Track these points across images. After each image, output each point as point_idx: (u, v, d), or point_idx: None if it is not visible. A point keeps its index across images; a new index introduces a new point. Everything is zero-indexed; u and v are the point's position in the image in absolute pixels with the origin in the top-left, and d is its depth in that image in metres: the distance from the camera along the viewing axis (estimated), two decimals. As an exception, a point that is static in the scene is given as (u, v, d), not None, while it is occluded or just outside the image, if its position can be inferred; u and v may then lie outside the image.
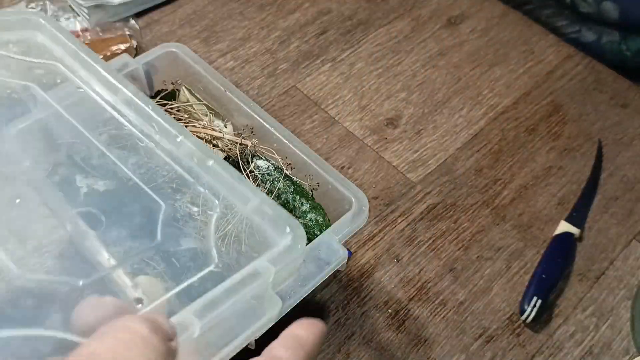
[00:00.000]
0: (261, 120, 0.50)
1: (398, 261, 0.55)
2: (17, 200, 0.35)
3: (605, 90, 0.69)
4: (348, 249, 0.43)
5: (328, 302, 0.52)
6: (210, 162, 0.36)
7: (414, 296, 0.53)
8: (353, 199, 0.45)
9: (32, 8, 0.71)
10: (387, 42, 0.72)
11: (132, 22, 0.71)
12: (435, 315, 0.52)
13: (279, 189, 0.46)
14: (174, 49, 0.55)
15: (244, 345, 0.31)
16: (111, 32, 0.69)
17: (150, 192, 0.36)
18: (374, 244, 0.55)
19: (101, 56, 0.66)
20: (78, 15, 0.70)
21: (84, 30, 0.69)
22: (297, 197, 0.45)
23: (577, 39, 0.78)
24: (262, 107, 0.52)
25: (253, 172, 0.47)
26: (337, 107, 0.65)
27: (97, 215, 0.35)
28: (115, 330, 0.24)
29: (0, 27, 0.40)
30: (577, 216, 0.58)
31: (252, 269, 0.31)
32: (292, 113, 0.65)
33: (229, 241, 0.36)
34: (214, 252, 0.34)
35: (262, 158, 0.48)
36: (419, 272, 0.54)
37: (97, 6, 0.68)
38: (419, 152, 0.62)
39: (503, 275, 0.54)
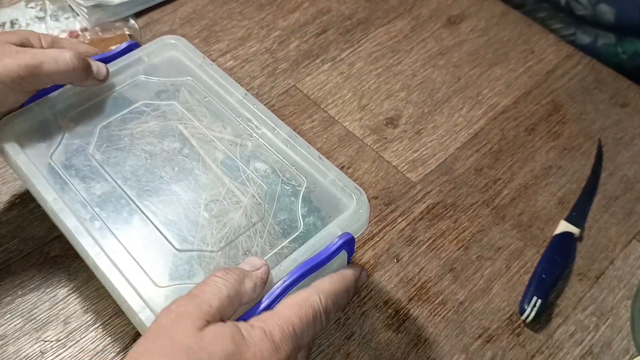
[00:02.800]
0: (261, 119, 0.50)
1: (398, 261, 0.55)
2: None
3: (605, 90, 0.69)
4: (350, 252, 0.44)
5: (328, 302, 0.52)
6: (300, 147, 0.47)
7: (414, 296, 0.53)
8: (353, 201, 0.45)
9: (32, 8, 0.71)
10: (387, 41, 0.72)
11: (132, 21, 0.70)
12: (435, 315, 0.52)
13: (276, 192, 0.46)
14: (174, 51, 0.55)
15: None
16: (111, 32, 0.69)
17: (257, 179, 0.47)
18: (374, 244, 0.55)
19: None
20: (77, 15, 0.70)
21: (84, 29, 0.69)
22: (295, 200, 0.46)
23: (573, 41, 0.77)
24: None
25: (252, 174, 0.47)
26: (337, 107, 0.65)
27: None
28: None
29: (149, 56, 0.54)
30: (577, 216, 0.58)
31: (325, 232, 0.42)
32: (291, 113, 0.65)
33: (311, 208, 0.45)
34: (300, 220, 0.44)
35: (261, 160, 0.48)
36: (419, 272, 0.54)
37: (96, 6, 0.68)
38: (418, 152, 0.62)
39: (503, 275, 0.54)
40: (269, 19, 0.73)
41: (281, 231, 0.44)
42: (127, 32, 0.69)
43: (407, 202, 0.58)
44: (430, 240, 0.56)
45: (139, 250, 0.42)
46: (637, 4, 0.73)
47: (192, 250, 0.43)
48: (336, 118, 0.64)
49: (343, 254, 0.43)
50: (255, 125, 0.50)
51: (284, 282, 0.40)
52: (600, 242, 0.57)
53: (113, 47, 0.66)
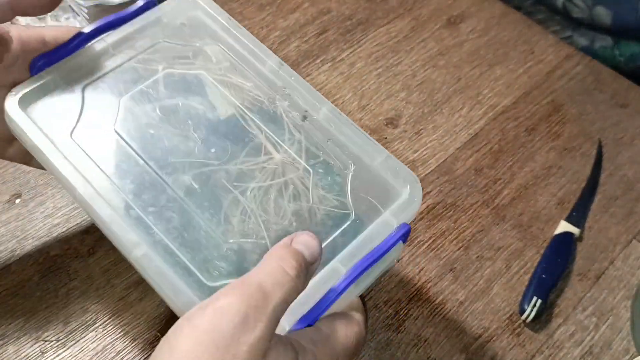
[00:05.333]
0: (300, 93, 0.45)
1: (398, 261, 0.55)
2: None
3: (605, 90, 0.69)
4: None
5: (328, 302, 0.52)
6: (344, 126, 0.43)
7: (414, 296, 0.53)
8: (406, 188, 0.41)
9: (32, 8, 0.71)
10: (387, 41, 0.72)
11: (132, 22, 0.70)
12: (435, 315, 0.52)
13: (323, 176, 0.42)
14: (196, 10, 0.49)
15: (378, 279, 0.40)
16: (111, 32, 0.69)
17: (301, 161, 0.42)
18: (374, 244, 0.55)
19: (101, 56, 0.65)
20: (78, 15, 0.70)
21: (84, 30, 0.69)
22: (343, 185, 0.42)
23: (570, 44, 0.78)
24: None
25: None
26: (337, 107, 0.65)
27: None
28: (269, 263, 0.32)
29: (167, 16, 0.48)
30: (577, 216, 0.58)
31: (380, 222, 0.39)
32: (292, 113, 0.65)
33: (361, 195, 0.41)
34: (351, 207, 0.41)
35: (303, 139, 0.44)
36: (419, 272, 0.54)
37: (97, 6, 0.68)
38: (418, 152, 0.62)
39: (503, 275, 0.54)
40: (269, 19, 0.73)
41: (331, 220, 0.40)
42: (127, 32, 0.69)
43: (407, 202, 0.58)
44: (430, 240, 0.56)
45: (182, 243, 0.38)
46: (633, 7, 0.73)
47: (239, 242, 0.39)
48: (336, 118, 0.64)
49: (399, 246, 0.39)
50: (294, 99, 0.45)
51: (344, 280, 0.36)
52: (600, 242, 0.57)
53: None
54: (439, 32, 0.73)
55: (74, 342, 0.49)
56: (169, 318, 0.50)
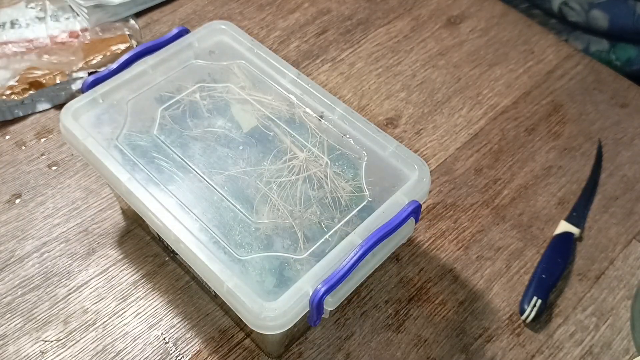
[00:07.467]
0: (316, 97, 0.51)
1: (398, 261, 0.55)
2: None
3: (605, 90, 0.69)
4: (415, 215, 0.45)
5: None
6: (357, 122, 0.49)
7: (414, 296, 0.53)
8: (415, 171, 0.47)
9: (32, 8, 0.71)
10: (387, 41, 0.72)
11: (132, 22, 0.71)
12: (435, 315, 0.52)
13: (340, 165, 0.48)
14: (223, 35, 0.56)
15: (392, 252, 0.44)
16: (111, 32, 0.69)
17: (320, 153, 0.48)
18: (374, 244, 0.55)
19: (100, 56, 0.66)
20: (78, 15, 0.70)
21: (84, 30, 0.69)
22: (359, 172, 0.47)
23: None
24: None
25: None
26: (337, 107, 0.65)
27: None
28: None
29: (199, 41, 0.54)
30: (577, 216, 0.58)
31: (393, 200, 0.45)
32: (292, 113, 0.64)
33: (375, 180, 0.47)
34: (366, 190, 0.46)
35: (321, 135, 0.49)
36: (419, 272, 0.54)
37: (96, 6, 0.68)
38: (418, 152, 0.62)
39: (503, 275, 0.54)
40: (269, 19, 0.73)
41: (349, 202, 0.46)
42: (127, 32, 0.69)
43: (407, 202, 0.58)
44: (430, 240, 0.56)
45: (217, 225, 0.44)
46: (630, 10, 0.73)
47: (267, 222, 0.44)
48: (336, 118, 0.64)
49: (411, 221, 0.44)
50: (311, 103, 0.51)
51: (360, 247, 0.41)
52: (600, 242, 0.57)
53: (113, 47, 0.66)
54: (439, 32, 0.73)
55: (74, 342, 0.49)
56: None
